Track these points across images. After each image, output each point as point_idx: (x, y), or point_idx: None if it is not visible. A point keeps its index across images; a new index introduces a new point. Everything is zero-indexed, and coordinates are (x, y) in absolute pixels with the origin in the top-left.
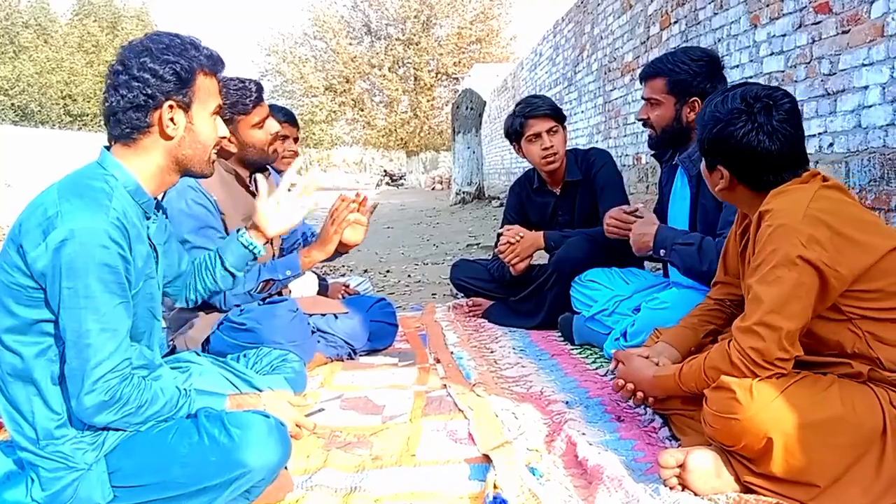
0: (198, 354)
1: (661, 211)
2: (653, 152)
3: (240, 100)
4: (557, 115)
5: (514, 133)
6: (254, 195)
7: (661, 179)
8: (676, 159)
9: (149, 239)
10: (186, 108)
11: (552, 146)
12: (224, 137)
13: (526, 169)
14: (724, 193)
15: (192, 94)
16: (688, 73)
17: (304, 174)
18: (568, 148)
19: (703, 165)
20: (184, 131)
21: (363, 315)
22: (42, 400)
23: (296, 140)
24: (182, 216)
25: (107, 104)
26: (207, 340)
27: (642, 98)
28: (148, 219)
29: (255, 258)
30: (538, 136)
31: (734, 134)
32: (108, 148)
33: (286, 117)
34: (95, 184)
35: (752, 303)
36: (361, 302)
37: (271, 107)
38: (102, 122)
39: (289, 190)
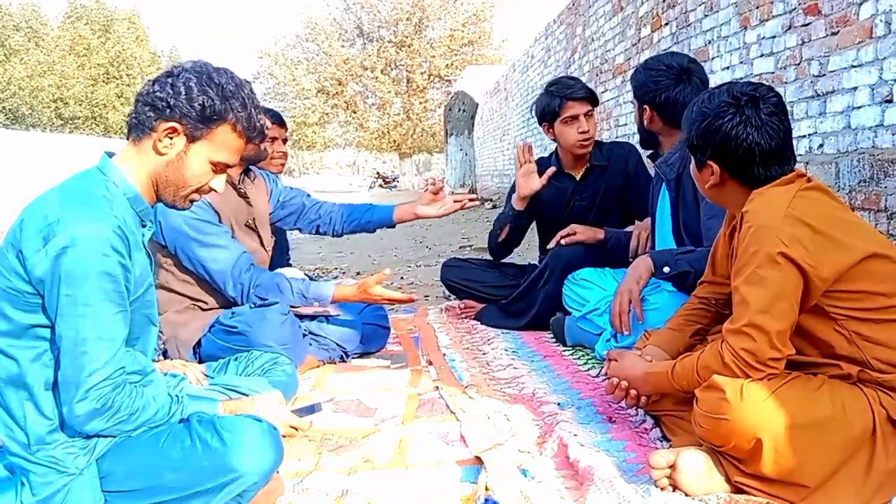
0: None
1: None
2: (647, 153)
3: None
4: (594, 99)
5: (550, 114)
6: (244, 197)
7: (653, 184)
8: (655, 165)
9: (144, 247)
10: (191, 139)
11: (588, 130)
12: (213, 190)
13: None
14: (714, 191)
15: (206, 134)
16: (639, 81)
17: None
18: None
19: (692, 166)
20: (174, 156)
21: (355, 318)
22: (34, 405)
23: (284, 141)
24: (186, 219)
25: (144, 87)
26: (199, 343)
27: None
28: (144, 226)
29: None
30: (575, 118)
31: (722, 127)
32: (109, 155)
33: (274, 118)
34: (97, 191)
35: (740, 305)
36: (354, 304)
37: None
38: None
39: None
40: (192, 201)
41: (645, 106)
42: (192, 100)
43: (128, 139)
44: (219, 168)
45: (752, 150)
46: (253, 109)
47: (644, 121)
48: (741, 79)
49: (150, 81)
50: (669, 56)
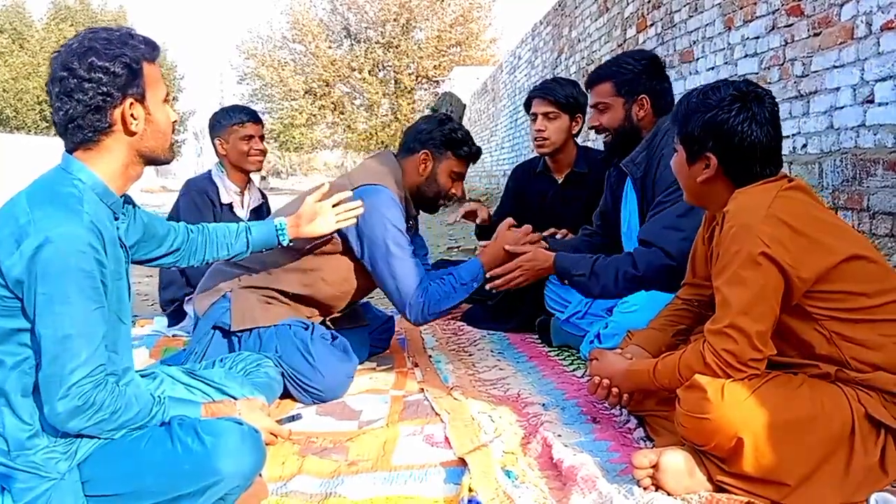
0: (168, 365)
1: (607, 214)
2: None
3: (463, 143)
4: (561, 102)
5: (525, 108)
6: (407, 223)
7: (611, 183)
8: (621, 164)
9: (119, 240)
10: (142, 99)
11: (543, 130)
12: (175, 122)
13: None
14: (702, 187)
15: (144, 84)
16: (632, 73)
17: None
18: (584, 144)
19: (679, 159)
20: (144, 124)
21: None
22: (12, 411)
23: (262, 138)
24: (389, 226)
25: (61, 112)
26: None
27: (590, 107)
28: (116, 219)
29: (277, 245)
30: (536, 117)
31: (728, 120)
32: (69, 152)
33: (249, 116)
34: (64, 189)
35: (721, 306)
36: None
37: (233, 107)
38: (59, 133)
39: (333, 205)
40: (174, 146)
41: (643, 96)
42: (114, 71)
43: (72, 151)
44: (166, 99)
45: (754, 147)
46: (137, 35)
47: (635, 115)
48: (726, 79)
49: (65, 100)
50: (639, 52)
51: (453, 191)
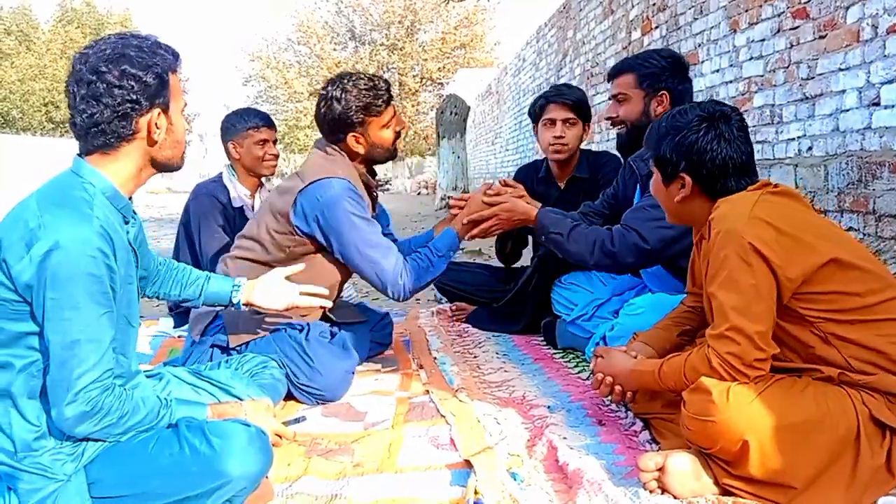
0: (174, 366)
1: (617, 207)
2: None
3: (372, 102)
4: (578, 109)
5: (534, 114)
6: (371, 194)
7: (625, 173)
8: (629, 160)
9: (129, 244)
10: (166, 110)
11: (563, 136)
12: (186, 131)
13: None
14: (681, 206)
15: (169, 95)
16: (657, 68)
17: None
18: (583, 147)
19: (655, 181)
20: (165, 133)
21: (364, 333)
22: (18, 412)
23: (275, 142)
24: (353, 219)
25: (85, 115)
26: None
27: (610, 98)
28: (126, 223)
29: (226, 306)
30: (553, 122)
31: (697, 140)
32: (80, 155)
33: (264, 121)
34: (75, 193)
35: (718, 310)
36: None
37: (247, 110)
38: (77, 135)
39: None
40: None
41: (664, 92)
42: (146, 80)
43: (88, 154)
44: (183, 109)
45: (726, 163)
46: (165, 45)
47: (653, 110)
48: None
49: (92, 103)
50: (665, 50)
51: (397, 128)
